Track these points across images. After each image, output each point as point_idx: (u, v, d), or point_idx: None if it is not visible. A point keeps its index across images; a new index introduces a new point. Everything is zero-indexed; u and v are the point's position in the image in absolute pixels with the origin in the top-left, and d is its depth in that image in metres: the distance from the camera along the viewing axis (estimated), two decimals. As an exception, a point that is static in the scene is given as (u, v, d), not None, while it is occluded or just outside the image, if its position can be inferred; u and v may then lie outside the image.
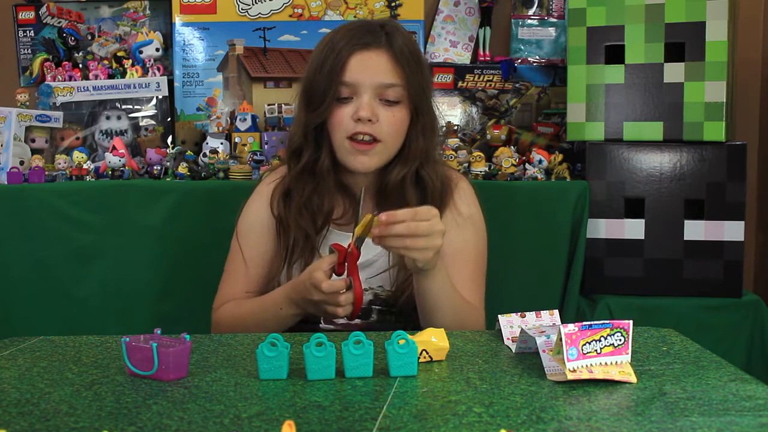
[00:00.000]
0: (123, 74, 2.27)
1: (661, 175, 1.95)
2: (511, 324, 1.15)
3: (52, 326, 1.89)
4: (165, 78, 2.27)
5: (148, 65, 2.27)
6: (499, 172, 2.01)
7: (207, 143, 2.11)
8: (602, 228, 1.97)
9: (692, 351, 1.08)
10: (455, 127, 2.21)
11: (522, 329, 1.06)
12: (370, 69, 1.36)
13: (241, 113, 2.16)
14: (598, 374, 0.93)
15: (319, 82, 1.37)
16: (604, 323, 0.94)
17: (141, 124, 2.28)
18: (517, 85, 2.32)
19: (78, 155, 2.01)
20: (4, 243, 1.90)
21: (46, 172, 1.98)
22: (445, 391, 0.92)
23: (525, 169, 2.01)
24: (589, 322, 0.93)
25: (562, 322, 1.01)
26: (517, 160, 2.03)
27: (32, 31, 2.37)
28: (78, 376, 0.99)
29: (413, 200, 1.39)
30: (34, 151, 2.07)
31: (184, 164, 1.99)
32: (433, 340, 1.03)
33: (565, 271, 1.97)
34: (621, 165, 1.96)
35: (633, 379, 0.94)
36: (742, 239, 1.93)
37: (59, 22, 2.36)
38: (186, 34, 2.27)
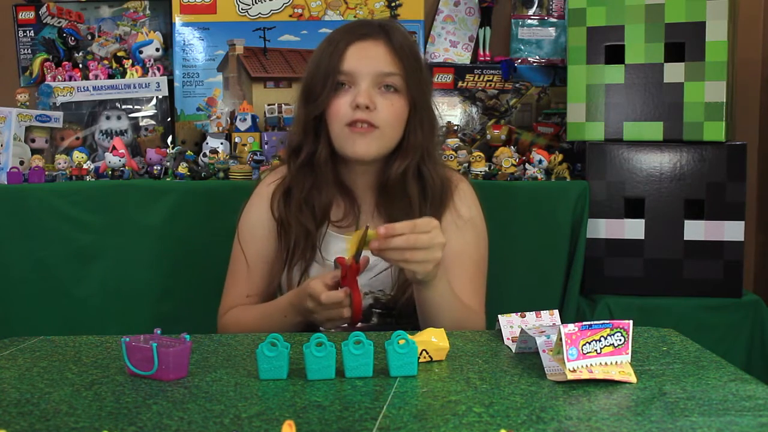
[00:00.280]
0: (123, 74, 2.27)
1: (661, 175, 1.95)
2: (511, 324, 1.15)
3: (52, 326, 1.89)
4: (165, 78, 2.27)
5: (148, 65, 2.27)
6: (499, 172, 2.01)
7: (207, 143, 2.11)
8: (602, 228, 1.97)
9: (692, 351, 1.08)
10: (455, 127, 2.21)
11: (522, 329, 1.06)
12: (368, 58, 1.37)
13: (241, 113, 2.16)
14: (598, 374, 0.93)
15: (317, 76, 1.38)
16: (604, 323, 0.94)
17: (141, 124, 2.28)
18: (517, 85, 2.32)
19: (78, 155, 2.01)
20: (4, 243, 1.90)
21: (46, 172, 1.98)
22: (445, 391, 0.92)
23: (525, 169, 2.01)
24: (589, 322, 0.93)
25: (562, 322, 1.01)
26: (517, 160, 2.03)
27: (32, 31, 2.37)
28: (78, 376, 0.99)
29: (415, 196, 1.39)
30: (34, 151, 2.07)
31: (184, 164, 1.99)
32: (433, 340, 1.03)
33: (565, 271, 1.97)
34: (621, 165, 1.96)
35: (633, 379, 0.94)
36: (742, 239, 1.93)
37: (59, 22, 2.36)
38: (186, 34, 2.27)
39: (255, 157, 2.00)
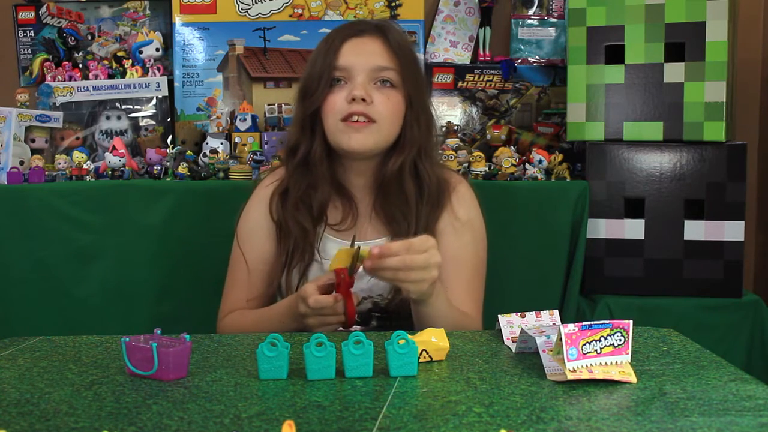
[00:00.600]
0: (123, 74, 2.27)
1: (661, 175, 1.95)
2: (511, 324, 1.15)
3: (52, 326, 1.89)
4: (165, 78, 2.27)
5: (148, 65, 2.27)
6: (499, 172, 2.01)
7: (207, 143, 2.11)
8: (602, 228, 1.97)
9: (692, 351, 1.08)
10: (455, 127, 2.21)
11: (522, 329, 1.06)
12: (363, 53, 1.37)
13: (241, 113, 2.16)
14: (598, 374, 0.93)
15: (313, 73, 1.38)
16: (604, 323, 0.94)
17: (141, 124, 2.28)
18: (517, 85, 2.32)
19: (78, 155, 2.01)
20: (4, 243, 1.90)
21: (46, 172, 1.98)
22: (445, 391, 0.92)
23: (525, 169, 2.00)
24: (589, 322, 0.93)
25: (562, 322, 1.01)
26: (517, 160, 2.03)
27: (32, 31, 2.37)
28: (78, 376, 0.99)
29: (411, 193, 1.38)
30: (34, 151, 2.07)
31: (184, 164, 1.99)
32: (433, 340, 1.03)
33: (565, 271, 1.97)
34: (621, 165, 1.96)
35: (633, 379, 0.94)
36: (742, 239, 1.93)
37: (59, 22, 2.36)
38: (186, 34, 2.27)
39: (255, 157, 2.00)
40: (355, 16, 2.26)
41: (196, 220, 1.93)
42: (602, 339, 0.94)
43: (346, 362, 0.97)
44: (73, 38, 2.35)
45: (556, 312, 1.16)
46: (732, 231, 1.93)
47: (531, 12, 2.36)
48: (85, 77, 2.27)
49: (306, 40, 2.25)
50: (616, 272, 1.97)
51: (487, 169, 2.02)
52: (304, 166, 1.41)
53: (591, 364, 0.93)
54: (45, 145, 2.13)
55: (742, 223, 1.93)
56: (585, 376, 0.92)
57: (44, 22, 2.36)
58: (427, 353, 1.03)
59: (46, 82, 2.26)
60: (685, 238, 1.95)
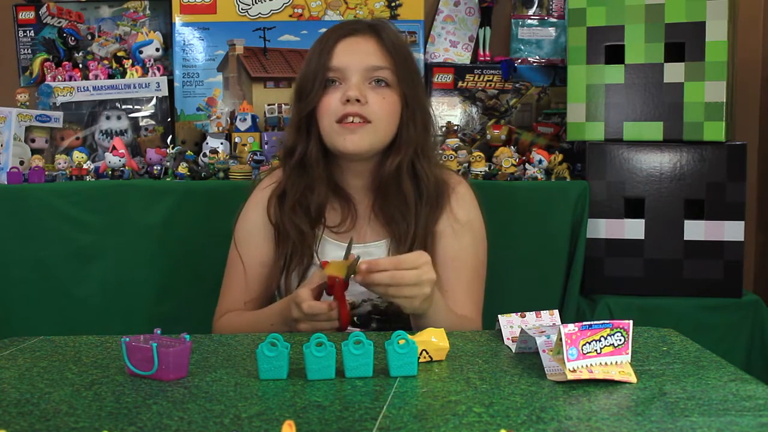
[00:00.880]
0: (123, 74, 2.27)
1: (661, 175, 1.95)
2: (511, 324, 1.15)
3: (52, 326, 1.89)
4: (165, 78, 2.27)
5: (148, 65, 2.27)
6: (499, 172, 2.01)
7: (207, 143, 2.11)
8: (602, 228, 1.97)
9: (692, 351, 1.08)
10: (455, 127, 2.21)
11: (522, 329, 1.06)
12: (357, 53, 1.36)
13: (241, 113, 2.16)
14: (598, 374, 0.93)
15: (308, 74, 1.38)
16: (604, 323, 0.94)
17: (141, 124, 2.28)
18: (517, 85, 2.32)
19: (78, 155, 2.01)
20: (4, 243, 1.90)
21: (46, 172, 1.98)
22: (445, 391, 0.92)
23: (525, 169, 2.00)
24: (589, 322, 0.93)
25: (562, 322, 1.01)
26: (517, 160, 2.03)
27: (32, 31, 2.37)
28: (78, 376, 0.99)
29: (410, 194, 1.37)
30: (34, 151, 2.07)
31: (184, 164, 1.99)
32: (433, 340, 1.03)
33: (565, 271, 1.97)
34: (621, 165, 1.96)
35: (633, 379, 0.94)
36: (742, 239, 1.93)
37: (59, 22, 2.36)
38: (186, 34, 2.27)
39: (255, 157, 2.00)
40: (355, 16, 2.26)
41: (196, 220, 1.93)
42: (602, 339, 0.94)
43: (346, 362, 0.97)
44: (73, 38, 2.35)
45: (556, 312, 1.16)
46: (732, 231, 1.93)
47: (531, 12, 2.36)
48: (85, 77, 2.27)
49: (306, 40, 2.25)
50: (616, 272, 1.97)
51: (487, 169, 2.02)
52: (300, 167, 1.40)
53: (591, 364, 0.93)
54: (45, 145, 2.13)
55: (742, 223, 1.93)
56: (585, 376, 0.92)
57: (44, 22, 2.36)
58: (427, 353, 1.03)
59: (46, 82, 2.26)
60: (685, 238, 1.95)
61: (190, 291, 1.91)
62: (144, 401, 0.89)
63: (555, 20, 2.34)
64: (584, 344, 0.93)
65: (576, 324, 0.93)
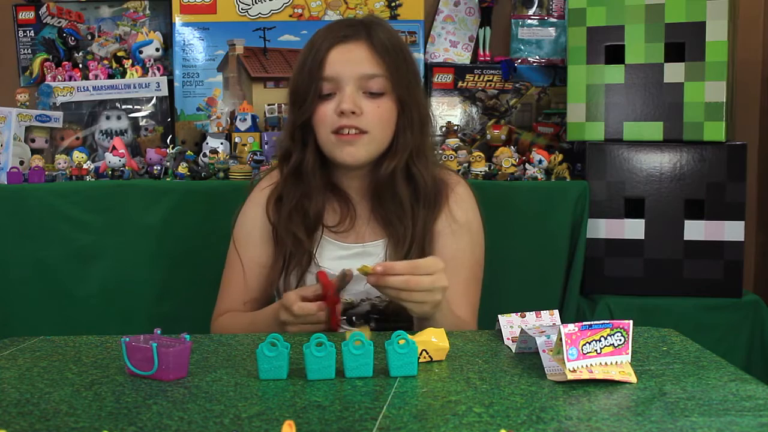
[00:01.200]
0: (123, 74, 2.27)
1: (661, 175, 1.95)
2: (511, 324, 1.15)
3: (52, 326, 1.89)
4: (165, 78, 2.27)
5: (148, 65, 2.27)
6: (499, 172, 2.01)
7: (207, 143, 2.11)
8: (602, 228, 1.97)
9: (692, 351, 1.08)
10: (455, 127, 2.21)
11: (522, 329, 1.06)
12: (350, 61, 1.34)
13: (241, 113, 2.16)
14: (598, 374, 0.93)
15: (301, 81, 1.36)
16: (604, 323, 0.94)
17: (141, 124, 2.28)
18: (517, 85, 2.32)
19: (78, 155, 2.01)
20: (4, 243, 1.90)
21: (46, 172, 1.98)
22: (445, 391, 0.92)
23: (525, 169, 2.00)
24: (589, 322, 0.93)
25: (562, 322, 1.01)
26: (517, 160, 2.03)
27: (32, 31, 2.37)
28: (78, 376, 0.99)
29: (405, 197, 1.37)
30: (34, 151, 2.07)
31: (184, 164, 1.99)
32: (433, 340, 1.03)
33: (565, 271, 1.97)
34: (621, 165, 1.96)
35: (633, 379, 0.94)
36: (742, 239, 1.93)
37: (59, 22, 2.36)
38: (186, 34, 2.27)
39: (255, 157, 2.00)
40: (354, 16, 2.26)
41: (196, 220, 1.93)
42: (602, 339, 0.94)
43: (346, 362, 0.97)
44: (73, 38, 2.35)
45: (556, 312, 1.16)
46: (732, 231, 1.93)
47: (531, 12, 2.36)
48: (85, 77, 2.27)
49: (306, 40, 2.23)
50: (616, 272, 1.97)
51: (487, 169, 2.02)
52: (296, 175, 1.40)
53: (591, 364, 0.93)
54: (45, 145, 2.13)
55: (742, 223, 1.93)
56: (585, 376, 0.92)
57: (44, 22, 2.36)
58: (427, 353, 1.03)
59: (46, 82, 2.26)
60: (685, 238, 1.95)
61: (189, 291, 1.91)
62: (144, 401, 0.89)
63: (555, 20, 2.34)
64: (584, 344, 0.93)
65: (576, 324, 0.93)
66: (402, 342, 0.97)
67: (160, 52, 2.30)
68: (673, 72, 1.93)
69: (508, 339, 1.13)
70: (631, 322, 0.96)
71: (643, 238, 1.96)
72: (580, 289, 1.96)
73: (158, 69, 2.27)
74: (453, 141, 2.14)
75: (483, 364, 1.03)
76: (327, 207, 1.42)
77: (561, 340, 0.92)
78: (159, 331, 1.02)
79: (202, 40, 2.27)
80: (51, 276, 1.92)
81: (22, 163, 2.02)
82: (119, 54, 2.31)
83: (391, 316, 1.38)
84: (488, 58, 2.34)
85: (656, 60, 1.94)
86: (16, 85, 2.34)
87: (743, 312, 1.93)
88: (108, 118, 2.27)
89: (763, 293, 2.07)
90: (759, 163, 2.37)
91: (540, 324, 1.14)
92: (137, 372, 0.98)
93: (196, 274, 1.90)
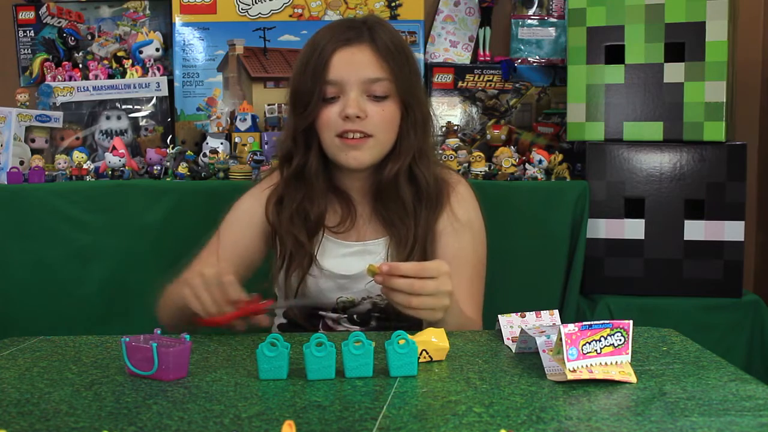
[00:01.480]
0: (123, 74, 2.27)
1: (661, 175, 1.95)
2: (511, 324, 1.15)
3: (52, 326, 1.89)
4: (165, 78, 2.27)
5: (148, 65, 2.27)
6: (499, 172, 2.01)
7: (207, 143, 2.11)
8: (602, 228, 1.97)
9: (692, 351, 1.08)
10: (455, 127, 2.21)
11: (522, 329, 1.06)
12: (354, 65, 1.33)
13: (241, 113, 2.16)
14: (598, 374, 0.93)
15: (304, 83, 1.35)
16: (604, 323, 0.94)
17: (141, 124, 2.28)
18: (517, 85, 2.32)
19: (78, 155, 2.01)
20: (4, 243, 1.90)
21: (46, 172, 1.98)
22: (445, 391, 0.92)
23: (525, 169, 2.01)
24: (589, 322, 0.93)
25: (562, 322, 1.01)
26: (517, 160, 2.03)
27: (32, 31, 2.37)
28: (78, 376, 0.99)
29: (408, 199, 1.37)
30: (34, 151, 2.07)
31: (184, 164, 1.99)
32: (433, 340, 1.03)
33: (565, 271, 1.97)
34: (621, 165, 1.96)
35: (633, 379, 0.94)
36: (742, 239, 1.93)
37: (59, 22, 2.36)
38: (186, 34, 2.27)
39: (255, 157, 2.00)
40: (354, 17, 2.26)
41: (196, 220, 1.92)
42: (602, 339, 0.94)
43: (346, 362, 0.97)
44: (73, 38, 2.35)
45: (556, 312, 1.16)
46: (732, 231, 1.93)
47: (531, 12, 2.36)
48: (85, 77, 2.27)
49: (306, 40, 2.24)
50: (616, 272, 1.97)
51: (487, 169, 2.02)
52: (299, 178, 1.39)
53: (591, 364, 0.93)
54: (45, 145, 2.13)
55: (742, 223, 1.93)
56: (585, 376, 0.92)
57: (44, 22, 2.36)
58: (427, 353, 1.03)
59: (46, 82, 2.26)
60: (685, 238, 1.95)
61: (190, 291, 1.91)
62: (144, 401, 0.89)
63: (555, 20, 2.34)
64: (584, 344, 0.93)
65: (576, 324, 0.93)
66: (402, 342, 0.97)
67: (160, 52, 2.30)
68: (673, 72, 1.93)
69: (508, 339, 1.13)
70: (631, 322, 0.96)
71: (643, 238, 1.96)
72: (580, 289, 1.96)
73: (158, 69, 2.27)
74: (453, 141, 2.14)
75: (483, 364, 1.03)
76: (329, 208, 1.42)
77: (561, 340, 0.92)
78: (159, 331, 1.02)
79: (202, 40, 2.27)
80: (51, 276, 1.92)
81: (22, 163, 2.02)
82: (119, 54, 2.31)
83: (392, 315, 1.38)
84: (488, 58, 2.34)
85: (656, 60, 1.94)
86: (16, 85, 2.34)
87: (743, 312, 1.93)
88: (108, 118, 2.27)
89: (763, 293, 2.07)
90: (759, 163, 2.37)
91: (540, 324, 1.14)
92: (137, 372, 0.98)
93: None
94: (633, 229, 1.96)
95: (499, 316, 1.16)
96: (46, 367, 1.03)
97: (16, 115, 2.03)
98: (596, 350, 0.94)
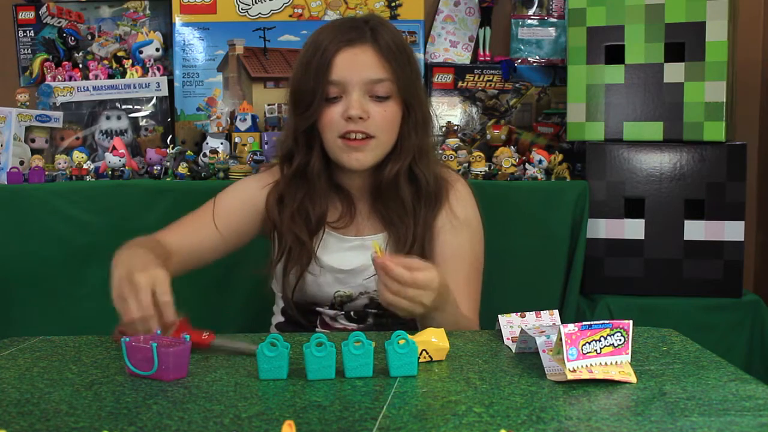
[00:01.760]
0: (123, 74, 2.27)
1: (661, 175, 1.95)
2: (511, 324, 1.15)
3: (52, 326, 1.89)
4: (165, 78, 2.27)
5: (148, 65, 2.27)
6: (499, 172, 2.01)
7: (207, 143, 2.11)
8: (602, 228, 1.97)
9: (692, 351, 1.08)
10: (455, 127, 2.21)
11: (522, 329, 1.06)
12: (356, 66, 1.33)
13: (241, 113, 2.16)
14: (598, 374, 0.93)
15: (306, 83, 1.35)
16: (604, 323, 0.94)
17: (141, 124, 2.28)
18: (517, 85, 2.32)
19: (78, 155, 2.01)
20: (4, 243, 1.90)
21: (46, 172, 1.98)
22: (445, 391, 0.92)
23: (525, 169, 2.01)
24: (589, 322, 0.93)
25: (562, 322, 1.01)
26: (517, 160, 2.03)
27: (32, 31, 2.37)
28: (78, 376, 0.99)
29: (408, 198, 1.37)
30: (34, 151, 2.07)
31: (184, 164, 1.99)
32: (433, 340, 1.03)
33: (565, 271, 1.97)
34: (621, 165, 1.96)
35: (633, 379, 0.94)
36: (742, 239, 1.93)
37: (59, 22, 2.36)
38: (186, 34, 2.27)
39: (255, 157, 2.00)
40: (356, 16, 2.26)
41: (196, 220, 1.92)
42: (602, 339, 0.94)
43: (346, 362, 0.97)
44: (73, 38, 2.35)
45: (556, 312, 1.16)
46: (732, 231, 1.93)
47: (531, 12, 2.36)
48: (85, 77, 2.27)
49: (306, 39, 2.24)
50: (616, 272, 1.97)
51: (487, 169, 2.02)
52: (300, 177, 1.40)
53: (591, 364, 0.93)
54: (45, 145, 2.13)
55: (742, 223, 1.93)
56: (585, 376, 0.92)
57: (44, 22, 2.36)
58: (427, 353, 1.03)
59: (46, 82, 2.26)
60: (685, 238, 1.95)
61: (190, 291, 1.90)
62: (144, 401, 0.89)
63: (555, 20, 2.34)
64: (584, 344, 0.93)
65: (576, 324, 0.93)
66: (402, 342, 0.97)
67: (160, 52, 2.30)
68: (673, 72, 1.93)
69: (508, 339, 1.13)
70: (631, 322, 0.96)
71: (643, 238, 1.96)
72: (580, 289, 1.96)
73: (158, 69, 2.27)
74: (453, 141, 2.14)
75: (483, 364, 1.03)
76: (329, 205, 1.42)
77: (561, 340, 0.92)
78: (159, 331, 1.02)
79: (202, 40, 2.27)
80: (51, 276, 1.92)
81: (22, 163, 2.02)
82: (119, 54, 2.31)
83: (389, 311, 1.38)
84: (488, 58, 2.34)
85: (656, 60, 1.94)
86: (16, 85, 2.33)
87: (743, 312, 1.93)
88: (108, 118, 2.27)
89: (763, 293, 2.07)
90: (759, 163, 2.37)
91: (540, 324, 1.14)
92: (137, 372, 0.98)
93: (196, 274, 1.89)
94: (633, 229, 1.96)
95: (499, 316, 1.16)
96: (46, 367, 1.03)
97: (16, 115, 2.03)
98: (596, 350, 0.94)
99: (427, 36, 2.36)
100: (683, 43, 1.92)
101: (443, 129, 2.20)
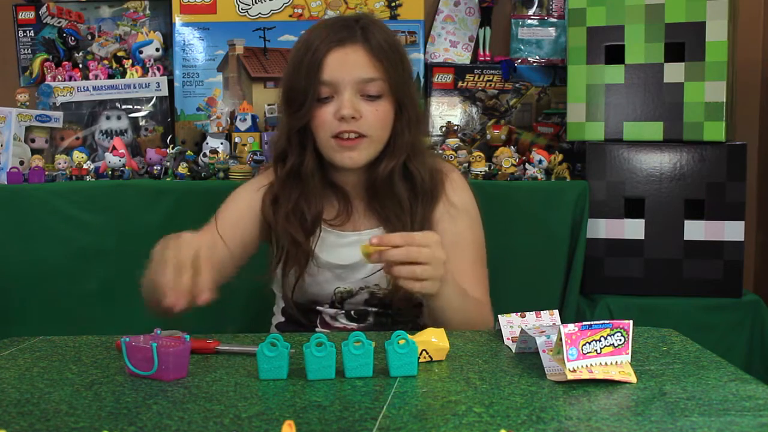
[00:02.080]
0: (123, 74, 2.27)
1: (661, 175, 1.95)
2: (511, 324, 1.15)
3: (52, 326, 1.89)
4: (165, 78, 2.27)
5: (148, 65, 2.27)
6: (499, 172, 2.01)
7: (207, 143, 2.12)
8: (602, 228, 1.97)
9: (692, 351, 1.08)
10: (455, 127, 2.21)
11: (522, 329, 1.06)
12: (348, 65, 1.33)
13: (241, 113, 2.17)
14: (598, 374, 0.93)
15: (298, 83, 1.35)
16: (604, 323, 0.94)
17: (141, 124, 2.28)
18: (517, 85, 2.32)
19: (78, 155, 2.01)
20: (4, 243, 1.90)
21: (46, 172, 1.98)
22: (445, 391, 0.92)
23: (525, 169, 2.01)
24: (589, 322, 0.93)
25: (562, 322, 1.01)
26: (517, 160, 2.03)
27: (32, 31, 2.37)
28: (78, 376, 0.99)
29: (403, 195, 1.38)
30: (34, 151, 2.07)
31: (184, 164, 1.99)
32: (433, 340, 1.03)
33: (565, 271, 1.97)
34: (621, 165, 1.96)
35: (633, 379, 0.94)
36: (742, 239, 1.93)
37: (59, 22, 2.36)
38: (186, 34, 2.27)
39: (255, 157, 2.00)
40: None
41: (196, 220, 1.91)
42: (602, 339, 0.94)
43: (346, 362, 0.97)
44: (73, 38, 2.35)
45: (556, 312, 1.16)
46: (732, 231, 1.93)
47: (531, 12, 2.36)
48: (85, 77, 2.27)
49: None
50: (616, 272, 1.97)
51: (487, 169, 2.02)
52: (294, 177, 1.40)
53: (591, 364, 0.93)
54: (45, 145, 2.13)
55: (742, 223, 1.93)
56: (585, 376, 0.92)
57: (44, 22, 2.36)
58: (427, 353, 1.03)
59: (46, 82, 2.26)
60: (685, 238, 1.95)
61: (189, 291, 1.91)
62: (144, 401, 0.89)
63: (555, 20, 2.34)
64: (584, 344, 0.93)
65: (576, 324, 0.93)
66: (402, 342, 0.97)
67: (160, 52, 2.30)
68: (673, 72, 1.93)
69: (508, 339, 1.13)
70: (631, 322, 0.96)
71: (643, 238, 1.96)
72: (580, 289, 1.96)
73: (158, 69, 2.27)
74: (453, 141, 2.14)
75: (483, 364, 1.03)
76: (325, 203, 1.42)
77: (561, 340, 0.92)
78: (159, 331, 1.02)
79: (202, 40, 2.27)
80: (51, 276, 1.92)
81: (22, 163, 2.02)
82: (119, 54, 2.31)
83: (390, 308, 1.38)
84: (488, 58, 2.34)
85: (656, 60, 1.94)
86: (16, 85, 2.34)
87: (743, 312, 1.93)
88: (108, 118, 2.27)
89: (763, 293, 2.07)
90: (759, 163, 2.37)
91: (540, 324, 1.14)
92: (137, 372, 0.98)
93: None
94: (633, 229, 1.96)
95: (499, 316, 1.16)
96: (46, 367, 1.03)
97: (16, 115, 2.03)
98: (596, 350, 0.94)
99: (427, 36, 2.36)
100: (683, 43, 1.92)
101: (443, 129, 2.20)
